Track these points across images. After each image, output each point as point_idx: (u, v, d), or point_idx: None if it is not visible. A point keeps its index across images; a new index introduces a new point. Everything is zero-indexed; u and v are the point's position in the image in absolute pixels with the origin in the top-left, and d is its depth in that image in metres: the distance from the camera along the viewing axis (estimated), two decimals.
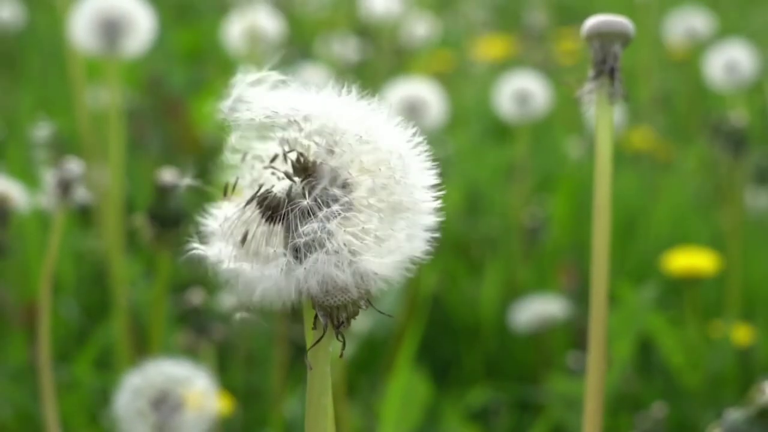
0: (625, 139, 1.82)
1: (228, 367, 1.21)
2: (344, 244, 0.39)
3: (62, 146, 1.49)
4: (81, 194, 0.77)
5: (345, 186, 0.40)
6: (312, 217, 0.40)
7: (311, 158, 0.41)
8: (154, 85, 2.04)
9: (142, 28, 1.24)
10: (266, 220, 0.41)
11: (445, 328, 1.39)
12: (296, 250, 0.40)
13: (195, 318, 0.98)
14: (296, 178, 0.41)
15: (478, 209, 1.63)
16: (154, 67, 2.11)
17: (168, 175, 0.90)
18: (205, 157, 1.78)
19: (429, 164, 0.41)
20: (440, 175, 0.42)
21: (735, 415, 0.57)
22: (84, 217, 1.51)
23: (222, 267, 0.41)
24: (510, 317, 1.33)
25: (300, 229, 0.40)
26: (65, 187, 0.76)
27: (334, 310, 0.39)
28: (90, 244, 1.45)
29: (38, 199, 0.79)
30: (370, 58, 2.24)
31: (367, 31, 2.39)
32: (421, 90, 1.53)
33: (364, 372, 1.29)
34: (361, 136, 0.40)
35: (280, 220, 0.40)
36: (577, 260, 1.45)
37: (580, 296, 1.37)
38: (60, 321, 1.28)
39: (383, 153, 0.40)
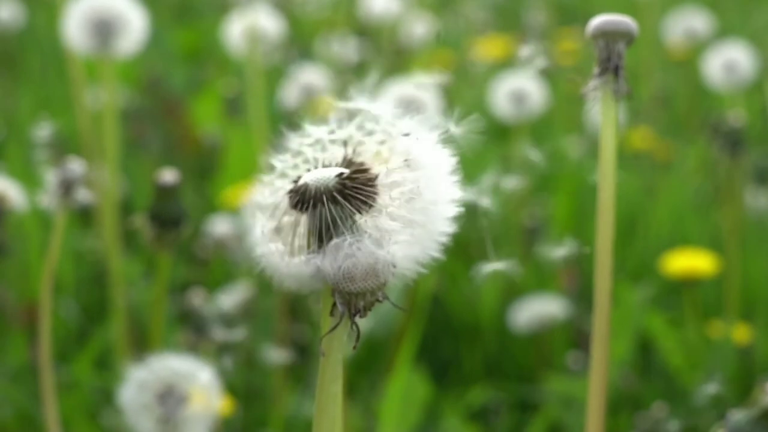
0: (625, 139, 1.82)
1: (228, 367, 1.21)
2: (367, 234, 0.40)
3: (62, 146, 1.49)
4: (83, 194, 0.77)
5: (373, 183, 0.42)
6: (337, 206, 0.41)
7: (345, 152, 0.43)
8: (153, 85, 2.03)
9: (135, 27, 1.23)
10: (295, 207, 0.42)
11: (445, 328, 1.39)
12: (320, 237, 0.41)
13: (195, 318, 0.98)
14: (327, 168, 0.42)
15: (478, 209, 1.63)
16: (153, 67, 2.11)
17: (168, 175, 0.90)
18: (205, 157, 1.78)
19: (456, 178, 0.43)
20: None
21: (738, 416, 0.57)
22: (83, 217, 1.51)
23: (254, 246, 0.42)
24: (510, 317, 1.33)
25: (324, 217, 0.41)
26: (67, 187, 0.76)
27: (352, 298, 0.40)
28: (90, 244, 1.45)
29: (38, 199, 0.79)
30: (370, 58, 2.23)
31: (366, 31, 2.39)
32: (419, 90, 1.53)
33: (364, 372, 1.29)
34: (406, 152, 0.42)
35: (307, 207, 0.41)
36: (577, 260, 1.45)
37: (580, 296, 1.37)
38: (60, 321, 1.28)
39: (416, 164, 0.42)
